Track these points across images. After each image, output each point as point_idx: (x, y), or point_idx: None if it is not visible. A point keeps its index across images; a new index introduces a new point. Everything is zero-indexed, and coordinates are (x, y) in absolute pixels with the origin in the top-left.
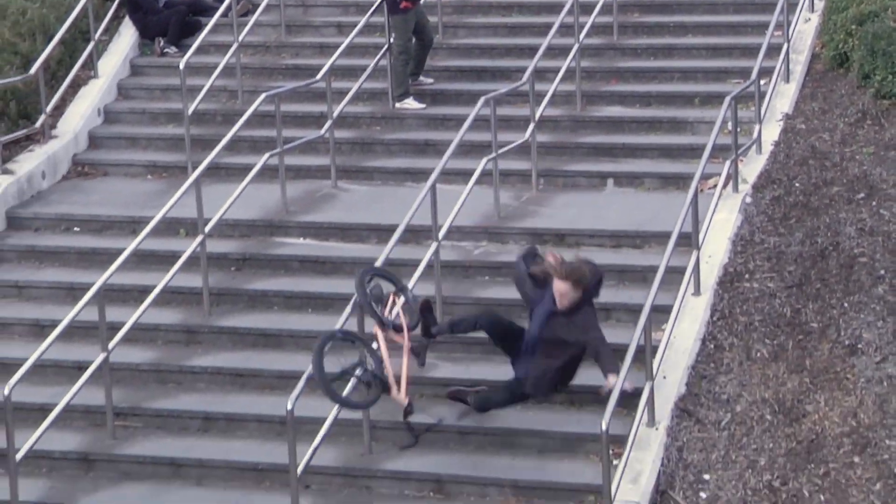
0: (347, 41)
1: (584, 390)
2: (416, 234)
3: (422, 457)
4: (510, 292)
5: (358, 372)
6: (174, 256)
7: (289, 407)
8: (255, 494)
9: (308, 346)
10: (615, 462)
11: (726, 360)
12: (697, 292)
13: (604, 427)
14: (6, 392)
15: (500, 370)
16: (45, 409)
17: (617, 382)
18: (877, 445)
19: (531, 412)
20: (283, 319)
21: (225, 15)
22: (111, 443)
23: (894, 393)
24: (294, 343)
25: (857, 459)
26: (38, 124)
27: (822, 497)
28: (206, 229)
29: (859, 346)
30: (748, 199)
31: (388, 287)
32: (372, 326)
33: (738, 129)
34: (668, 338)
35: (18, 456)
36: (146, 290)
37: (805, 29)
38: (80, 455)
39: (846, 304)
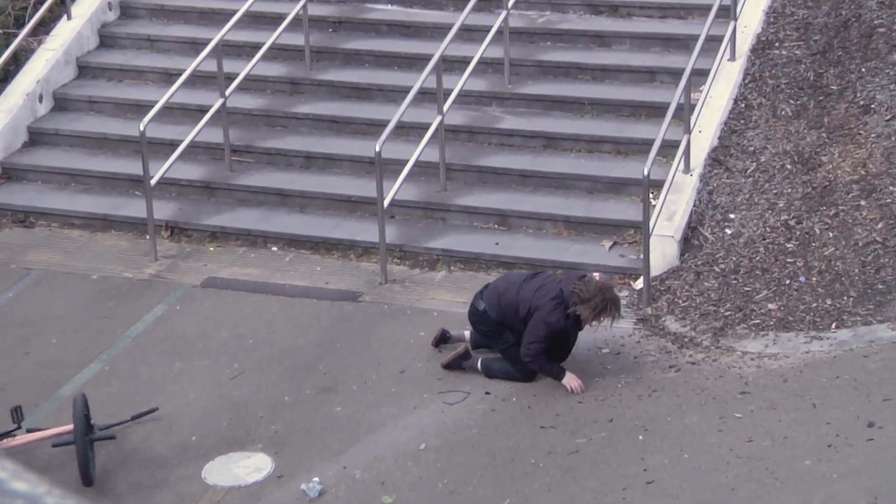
0: None
1: (629, 142)
2: (488, 3)
3: (489, 195)
4: (570, 57)
5: None
6: (280, 18)
7: (377, 149)
8: (348, 220)
9: (395, 98)
10: (654, 203)
11: (755, 117)
12: (733, 58)
13: (645, 172)
14: (141, 127)
15: None
16: (173, 144)
17: None
18: (882, 191)
19: (583, 160)
20: (373, 75)
21: None
22: (228, 174)
23: None
24: (382, 95)
25: (863, 203)
26: None
27: (830, 234)
28: None
29: (872, 105)
30: None
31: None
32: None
33: None
34: (705, 97)
35: (153, 181)
36: (257, 46)
37: None
38: (203, 183)
39: (863, 70)
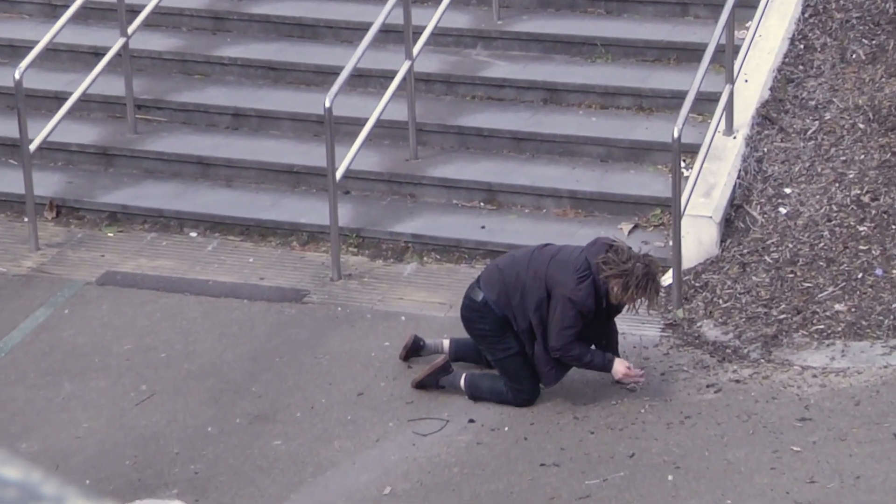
0: None
1: (654, 94)
2: None
3: (473, 164)
4: None
5: None
6: None
7: (327, 104)
8: (289, 198)
9: (350, 38)
10: (686, 173)
11: (817, 61)
12: None
13: (675, 134)
14: (17, 76)
15: None
16: (59, 98)
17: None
18: None
19: (594, 118)
20: (321, 7)
21: None
22: (132, 137)
23: None
24: (333, 35)
25: None
26: None
27: None
28: None
29: None
30: None
31: None
32: None
33: None
34: (753, 36)
35: (32, 146)
36: None
37: None
38: (99, 149)
39: None
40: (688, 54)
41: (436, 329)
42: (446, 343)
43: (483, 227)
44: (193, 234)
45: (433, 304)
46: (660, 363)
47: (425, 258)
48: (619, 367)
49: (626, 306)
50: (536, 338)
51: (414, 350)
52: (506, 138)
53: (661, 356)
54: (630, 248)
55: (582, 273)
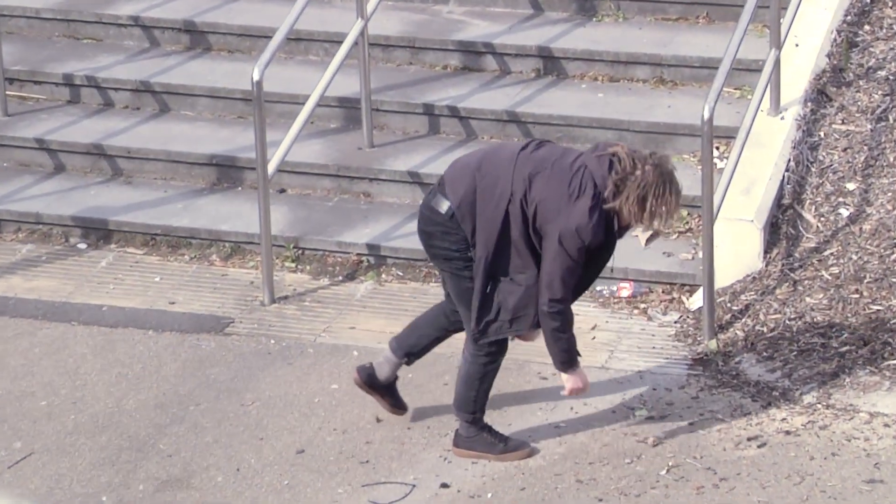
0: None
1: (679, 63)
2: None
3: (446, 154)
4: None
5: None
6: None
7: (256, 77)
8: (206, 198)
9: None
10: (721, 164)
11: (888, 19)
12: None
13: (706, 115)
14: None
15: None
16: None
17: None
18: None
19: (601, 94)
20: None
21: None
22: (2, 120)
23: None
24: None
25: None
26: None
27: None
28: None
29: None
30: None
31: None
32: None
33: None
34: None
35: None
36: None
37: None
38: None
39: None
40: (722, 11)
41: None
42: (390, 352)
43: None
44: (82, 246)
45: (394, 334)
46: (687, 410)
47: (384, 275)
48: (576, 380)
49: (633, 232)
50: (494, 276)
51: (371, 386)
52: (489, 120)
53: (688, 400)
54: (626, 146)
55: (594, 200)
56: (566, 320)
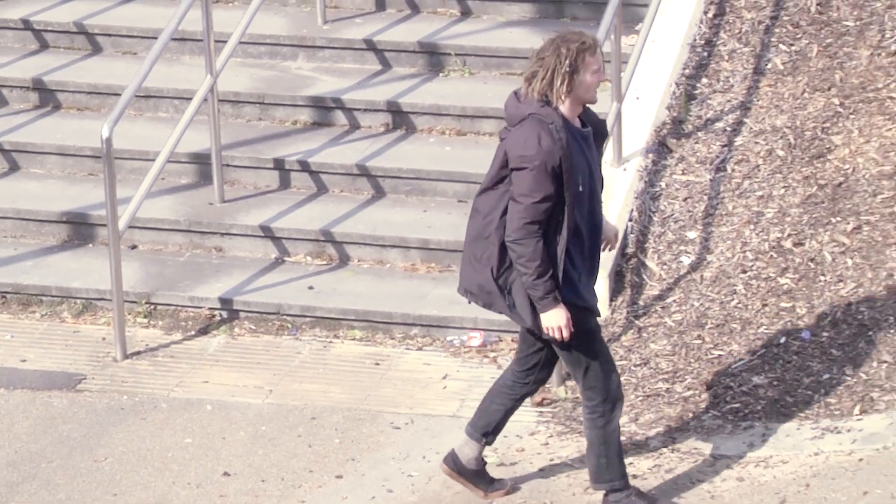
0: None
1: None
2: None
3: (297, 208)
4: None
5: None
6: None
7: (105, 134)
8: (57, 255)
9: (133, 48)
10: None
11: (724, 73)
12: None
13: None
14: None
15: None
16: None
17: None
18: None
19: (449, 147)
20: (95, 12)
21: None
22: None
23: None
24: (113, 43)
25: None
26: None
27: (849, 261)
28: None
29: None
30: None
31: None
32: None
33: None
34: (644, 42)
35: None
36: None
37: None
38: None
39: None
40: None
41: (251, 419)
42: (476, 442)
43: (311, 288)
44: None
45: (247, 387)
46: (537, 456)
47: (237, 329)
48: (562, 312)
49: (592, 79)
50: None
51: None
52: (339, 174)
53: (538, 447)
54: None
55: (530, 125)
56: (528, 250)
